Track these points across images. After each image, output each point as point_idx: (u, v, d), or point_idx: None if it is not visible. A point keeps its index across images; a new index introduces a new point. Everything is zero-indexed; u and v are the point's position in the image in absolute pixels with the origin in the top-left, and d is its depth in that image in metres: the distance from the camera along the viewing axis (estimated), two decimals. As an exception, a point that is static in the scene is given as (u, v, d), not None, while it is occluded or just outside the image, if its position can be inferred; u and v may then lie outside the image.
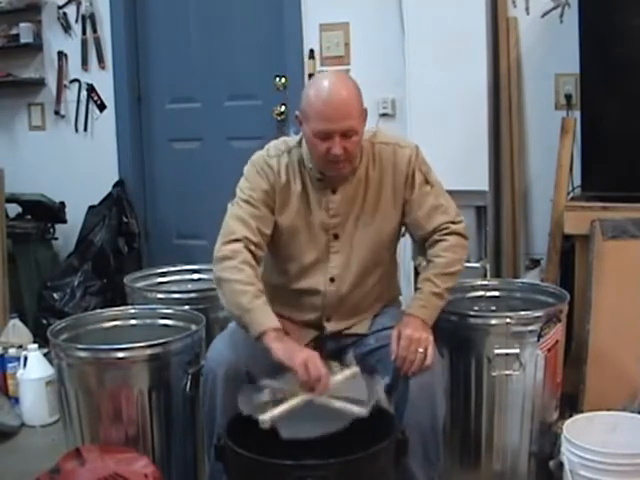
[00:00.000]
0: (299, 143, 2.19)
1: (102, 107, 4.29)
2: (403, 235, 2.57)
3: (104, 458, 2.04)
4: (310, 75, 3.79)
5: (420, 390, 2.03)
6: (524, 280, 3.00)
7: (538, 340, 2.37)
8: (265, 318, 1.99)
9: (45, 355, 3.10)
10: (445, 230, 2.20)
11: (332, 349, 2.25)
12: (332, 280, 2.20)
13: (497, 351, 2.35)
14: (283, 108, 3.96)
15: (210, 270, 3.18)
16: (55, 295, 3.96)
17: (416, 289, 2.22)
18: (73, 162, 4.35)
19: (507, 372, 2.36)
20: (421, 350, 2.04)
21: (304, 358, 1.90)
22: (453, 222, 2.21)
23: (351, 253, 2.19)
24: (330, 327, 2.25)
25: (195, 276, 3.22)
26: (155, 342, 2.28)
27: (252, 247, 2.09)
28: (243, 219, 2.11)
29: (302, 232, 2.18)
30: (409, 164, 2.18)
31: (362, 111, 2.09)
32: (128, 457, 2.07)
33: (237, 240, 2.08)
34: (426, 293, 2.15)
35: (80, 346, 2.31)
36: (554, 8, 3.34)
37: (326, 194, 2.17)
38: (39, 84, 4.36)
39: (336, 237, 2.18)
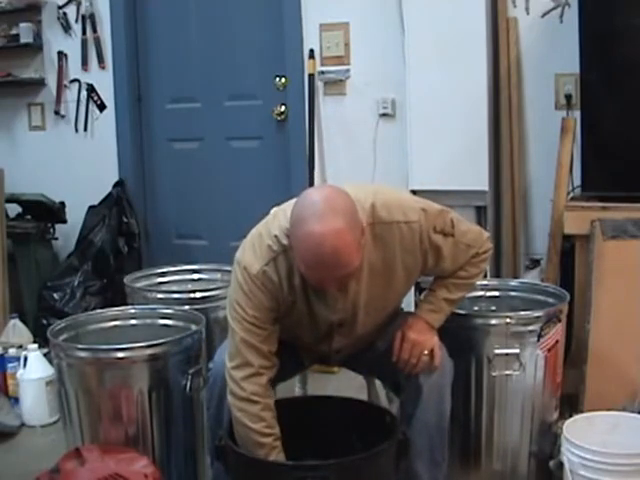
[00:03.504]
0: (290, 246, 1.89)
1: (102, 107, 4.29)
2: None
3: (104, 458, 2.04)
4: (310, 75, 3.79)
5: (430, 390, 2.03)
6: (524, 280, 2.99)
7: (538, 340, 2.37)
8: None
9: (45, 355, 3.09)
10: (473, 259, 2.10)
11: (339, 359, 2.25)
12: (338, 352, 2.17)
13: (497, 351, 2.35)
14: (283, 108, 3.96)
15: (210, 270, 3.22)
16: (55, 295, 3.96)
17: (429, 289, 2.15)
18: (73, 162, 4.35)
19: (507, 372, 2.36)
20: (426, 352, 2.02)
21: None
22: (477, 253, 2.10)
23: (357, 329, 2.08)
24: (339, 357, 2.23)
25: (195, 276, 3.22)
26: (155, 342, 2.28)
27: (269, 373, 1.97)
28: (254, 346, 1.93)
29: (304, 323, 2.05)
30: (421, 240, 1.96)
31: (358, 244, 1.79)
32: (128, 457, 2.07)
33: (256, 374, 1.93)
34: (439, 298, 2.10)
35: (80, 346, 2.31)
36: (554, 8, 3.34)
37: (326, 294, 1.96)
38: (39, 84, 4.36)
39: (340, 325, 2.06)
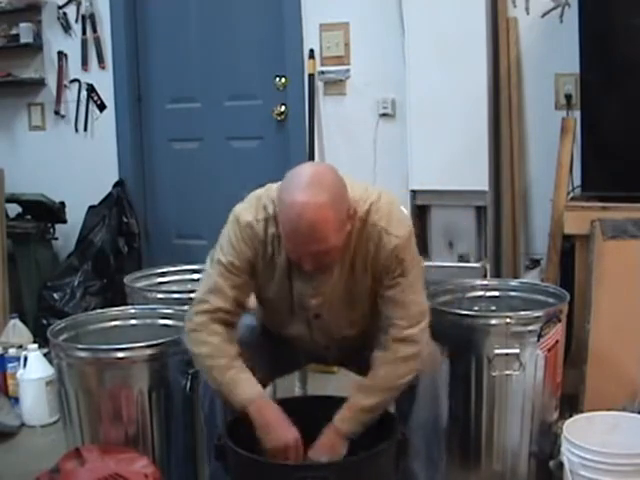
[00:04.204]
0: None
1: (102, 107, 4.29)
2: None
3: (104, 458, 2.04)
4: (310, 75, 3.79)
5: (424, 391, 2.03)
6: (524, 280, 3.00)
7: (538, 340, 2.37)
8: (241, 390, 1.92)
9: (45, 355, 3.09)
10: (395, 333, 1.96)
11: (332, 358, 2.26)
12: (327, 348, 2.17)
13: (497, 351, 2.35)
14: (283, 108, 3.96)
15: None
16: (55, 295, 3.96)
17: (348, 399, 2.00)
18: (73, 162, 4.35)
19: (507, 372, 2.36)
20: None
21: (286, 443, 1.86)
22: (409, 325, 1.96)
23: (331, 325, 2.08)
24: (330, 355, 2.24)
25: (195, 276, 3.21)
26: (155, 342, 2.28)
27: (225, 316, 1.98)
28: (221, 290, 1.97)
29: (284, 309, 2.07)
30: (390, 255, 1.94)
31: (340, 224, 1.82)
32: (128, 457, 2.07)
33: (207, 312, 1.97)
34: (357, 406, 1.95)
35: (80, 346, 2.31)
36: (554, 8, 3.34)
37: (307, 277, 1.97)
38: (39, 84, 4.36)
39: (317, 317, 2.06)
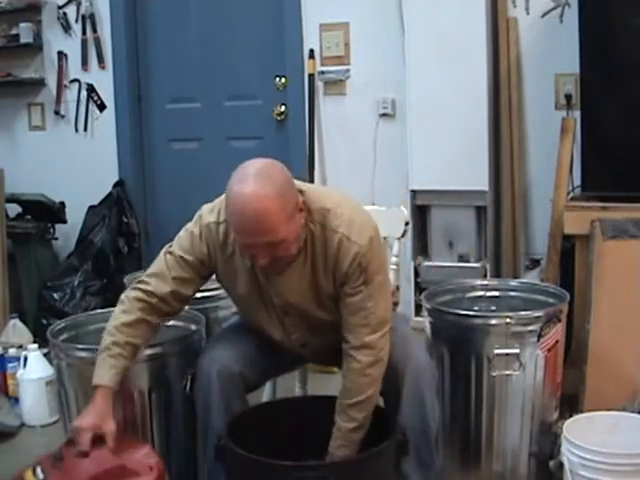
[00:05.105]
0: None
1: (102, 107, 4.29)
2: (403, 236, 2.57)
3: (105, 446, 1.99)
4: (310, 75, 3.80)
5: (408, 396, 2.02)
6: (524, 280, 3.00)
7: (538, 340, 2.37)
8: (100, 372, 1.98)
9: (45, 355, 3.10)
10: (353, 341, 1.96)
11: (314, 354, 2.25)
12: (304, 345, 2.17)
13: (497, 351, 2.35)
14: (283, 108, 3.96)
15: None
16: (55, 295, 3.96)
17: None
18: (73, 162, 4.35)
19: (507, 372, 2.36)
20: None
21: (80, 425, 1.91)
22: (369, 333, 1.96)
23: (305, 325, 2.10)
24: (308, 352, 2.23)
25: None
26: (155, 342, 2.27)
27: (158, 303, 2.03)
28: (163, 277, 2.04)
29: (258, 307, 2.09)
30: (352, 262, 1.93)
31: (288, 216, 1.84)
32: (129, 444, 2.03)
33: (141, 290, 2.04)
34: (344, 430, 1.97)
35: (80, 346, 2.30)
36: (554, 8, 3.34)
37: (269, 275, 2.01)
38: (39, 84, 4.36)
39: (286, 314, 2.08)
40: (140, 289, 2.05)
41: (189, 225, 2.08)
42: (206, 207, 2.09)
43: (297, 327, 2.11)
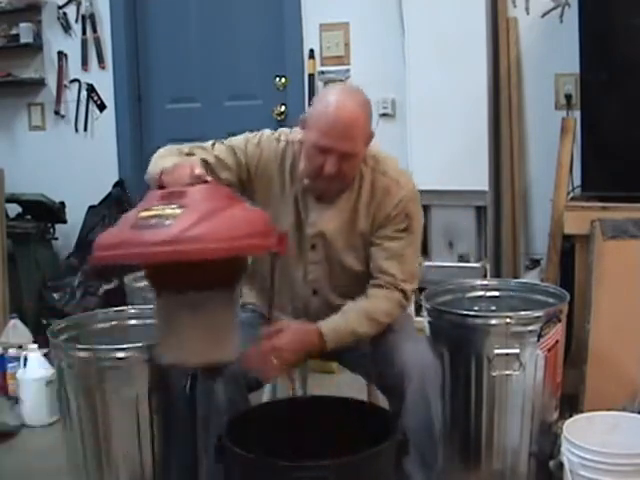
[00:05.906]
0: (300, 142, 2.10)
1: (102, 107, 4.30)
2: None
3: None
4: (310, 75, 3.80)
5: (413, 398, 2.01)
6: (524, 280, 3.00)
7: (538, 340, 2.37)
8: (168, 161, 1.89)
9: (45, 355, 3.09)
10: (390, 280, 2.05)
11: (319, 310, 2.22)
12: (315, 293, 2.17)
13: (497, 351, 2.35)
14: (283, 108, 3.96)
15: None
16: (55, 295, 3.96)
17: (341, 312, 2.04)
18: (73, 162, 4.35)
19: (507, 372, 2.36)
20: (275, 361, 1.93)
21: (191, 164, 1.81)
22: (403, 280, 2.05)
23: (330, 268, 2.12)
24: (315, 306, 2.20)
25: (195, 276, 3.21)
26: (155, 342, 2.27)
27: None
28: (207, 150, 2.06)
29: (290, 238, 2.07)
30: (397, 205, 2.05)
31: (367, 135, 2.01)
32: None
33: (184, 153, 2.02)
34: (344, 324, 2.01)
35: (80, 346, 2.30)
36: (554, 8, 3.34)
37: (310, 202, 2.09)
38: (39, 84, 4.36)
39: (313, 247, 2.11)
40: (179, 148, 2.04)
41: (245, 134, 2.14)
42: (267, 129, 2.16)
43: (318, 265, 2.13)
